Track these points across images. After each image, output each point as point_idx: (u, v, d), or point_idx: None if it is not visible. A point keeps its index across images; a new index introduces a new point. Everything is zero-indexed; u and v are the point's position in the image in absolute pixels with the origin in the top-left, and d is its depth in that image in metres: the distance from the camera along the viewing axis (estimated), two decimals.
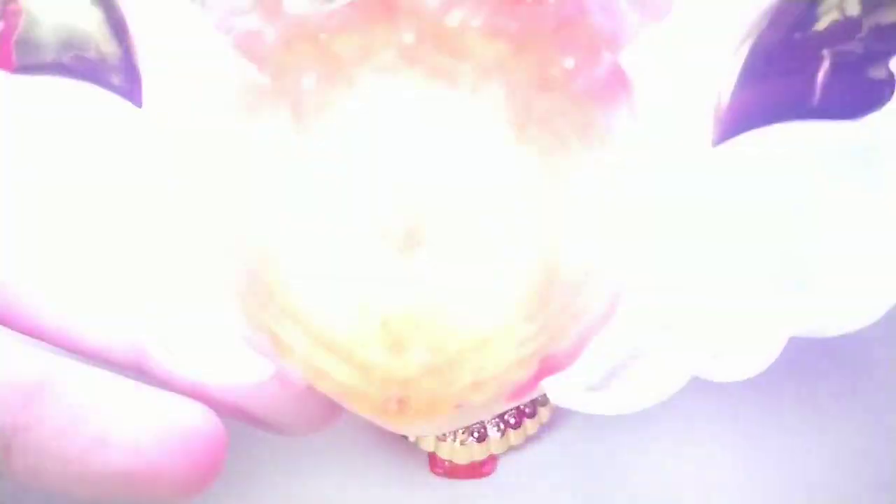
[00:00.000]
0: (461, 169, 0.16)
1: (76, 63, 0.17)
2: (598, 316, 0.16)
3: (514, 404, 0.17)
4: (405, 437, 0.26)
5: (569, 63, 0.15)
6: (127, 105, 0.17)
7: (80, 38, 0.16)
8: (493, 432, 0.25)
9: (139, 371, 0.20)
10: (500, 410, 0.19)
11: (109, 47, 0.16)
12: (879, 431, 0.26)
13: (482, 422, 0.25)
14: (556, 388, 0.17)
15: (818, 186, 0.16)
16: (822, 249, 0.17)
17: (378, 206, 0.16)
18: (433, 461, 0.26)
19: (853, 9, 0.15)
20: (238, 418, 0.21)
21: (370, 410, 0.16)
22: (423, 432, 0.19)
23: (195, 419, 0.19)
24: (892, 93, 0.16)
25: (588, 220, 0.16)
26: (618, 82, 0.16)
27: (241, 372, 0.18)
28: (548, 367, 0.16)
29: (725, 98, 0.16)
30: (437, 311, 0.16)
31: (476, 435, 0.25)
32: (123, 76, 0.16)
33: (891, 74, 0.16)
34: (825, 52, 0.15)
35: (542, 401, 0.26)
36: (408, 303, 0.16)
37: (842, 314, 0.17)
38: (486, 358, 0.16)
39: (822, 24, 0.15)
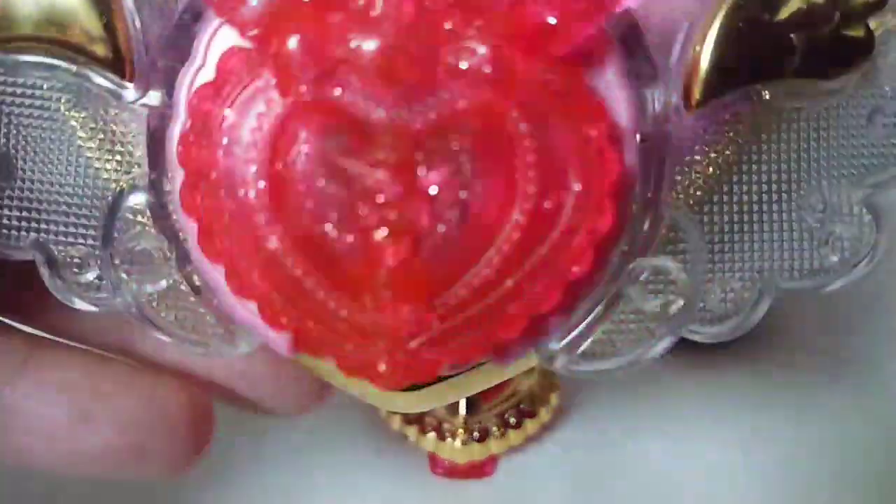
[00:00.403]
0: None
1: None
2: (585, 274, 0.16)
3: (503, 367, 0.17)
4: (405, 437, 0.26)
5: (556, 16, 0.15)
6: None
7: (61, 15, 0.16)
8: (493, 432, 0.25)
9: (125, 351, 0.20)
10: (489, 383, 0.18)
11: (93, 21, 0.16)
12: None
13: (482, 422, 0.25)
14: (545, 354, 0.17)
15: None
16: None
17: None
18: (433, 461, 0.26)
19: None
20: (226, 399, 0.21)
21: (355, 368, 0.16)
22: (411, 406, 0.19)
23: (181, 397, 0.19)
24: (871, 49, 0.16)
25: None
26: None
27: (226, 347, 0.18)
28: (537, 328, 0.16)
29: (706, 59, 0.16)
30: None
31: (476, 435, 0.25)
32: (110, 47, 0.16)
33: (869, 32, 0.16)
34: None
35: (543, 401, 0.26)
36: None
37: None
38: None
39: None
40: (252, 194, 0.15)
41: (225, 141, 0.15)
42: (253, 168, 0.15)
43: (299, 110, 0.15)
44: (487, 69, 0.14)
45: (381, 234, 0.15)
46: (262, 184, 0.15)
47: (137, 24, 0.16)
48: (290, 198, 0.15)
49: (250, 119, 0.15)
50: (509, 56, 0.15)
